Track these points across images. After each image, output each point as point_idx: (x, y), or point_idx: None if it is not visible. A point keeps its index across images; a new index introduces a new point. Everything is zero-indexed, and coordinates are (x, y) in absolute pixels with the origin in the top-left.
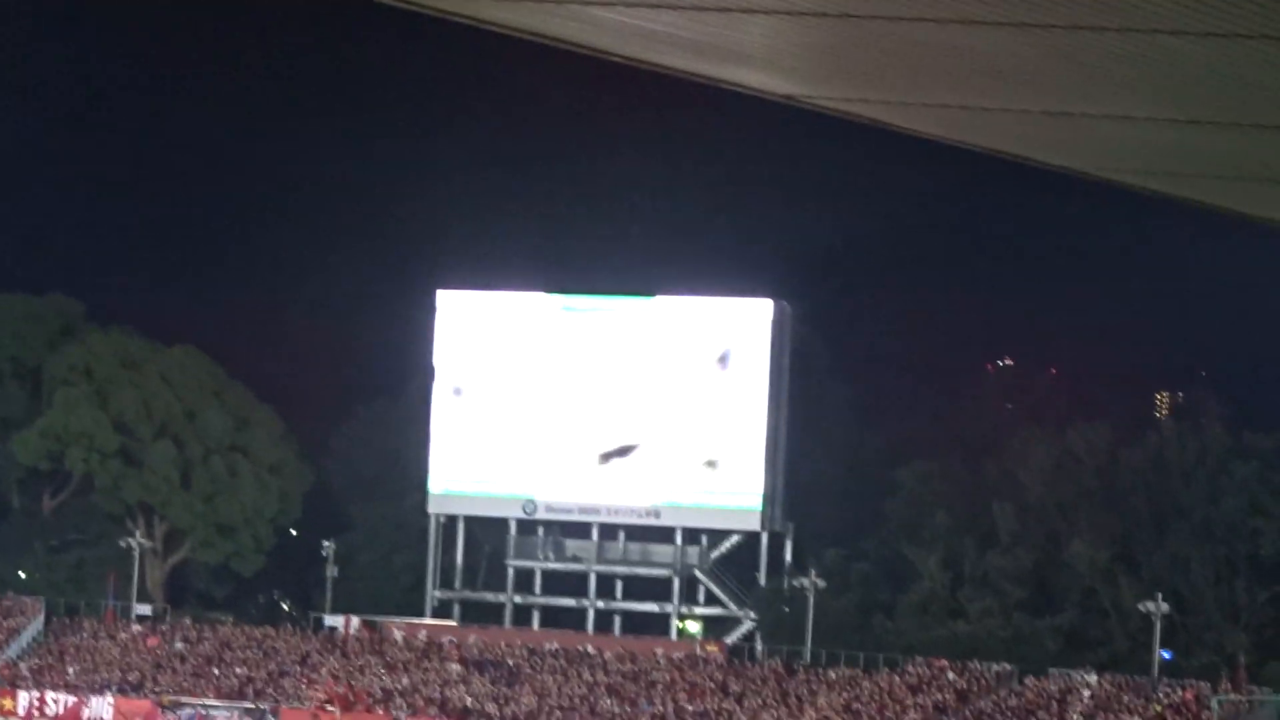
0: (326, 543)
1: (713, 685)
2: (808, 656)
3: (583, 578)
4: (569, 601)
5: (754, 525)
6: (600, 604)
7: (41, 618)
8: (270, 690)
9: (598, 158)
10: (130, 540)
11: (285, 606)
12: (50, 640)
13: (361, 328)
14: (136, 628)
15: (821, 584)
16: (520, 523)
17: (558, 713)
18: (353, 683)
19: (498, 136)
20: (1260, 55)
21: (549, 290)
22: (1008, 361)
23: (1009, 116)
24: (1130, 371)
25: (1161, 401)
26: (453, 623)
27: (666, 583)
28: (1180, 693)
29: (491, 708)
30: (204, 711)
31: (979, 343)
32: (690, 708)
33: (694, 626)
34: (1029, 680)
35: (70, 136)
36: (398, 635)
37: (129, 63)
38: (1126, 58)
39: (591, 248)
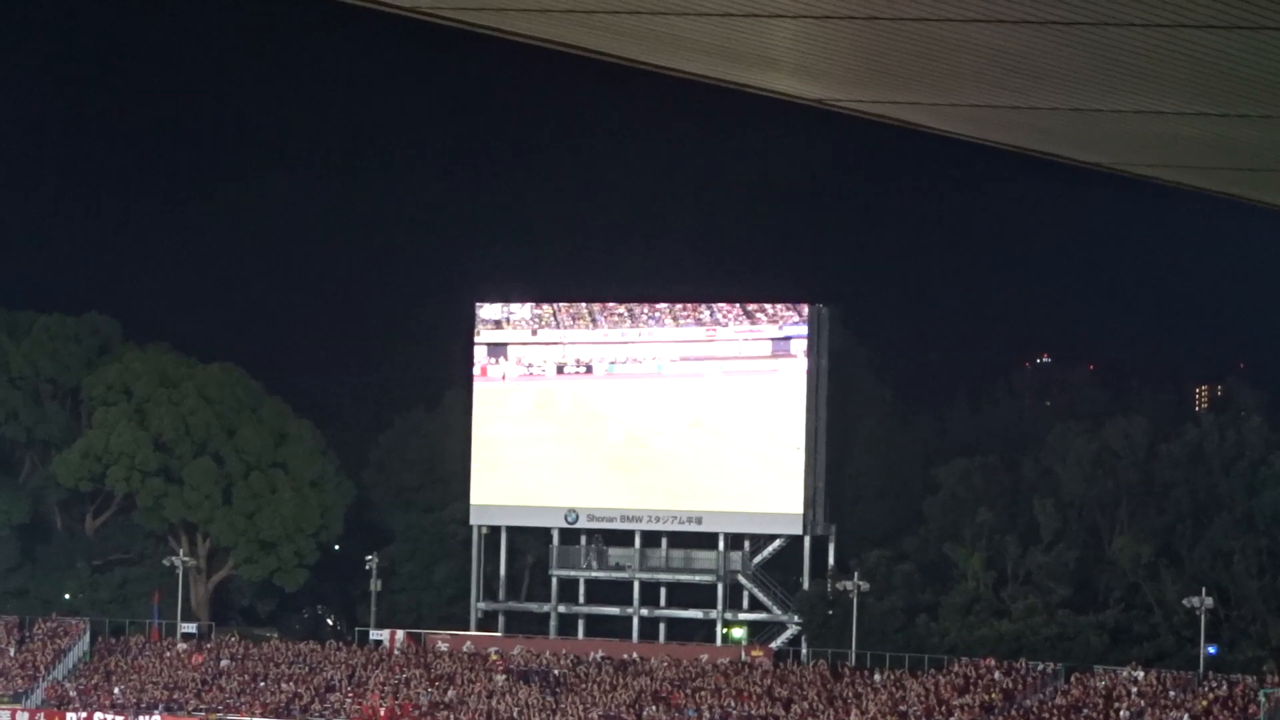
0: (369, 556)
1: (759, 690)
2: (853, 659)
3: (627, 586)
4: (613, 610)
5: (796, 529)
6: (645, 611)
7: (87, 638)
8: (317, 705)
9: (634, 167)
10: (173, 558)
11: (330, 621)
12: (96, 660)
13: (397, 340)
14: (182, 646)
15: (865, 586)
16: (563, 532)
17: None
18: (399, 696)
19: (534, 149)
20: None
21: (587, 299)
22: (1045, 359)
23: (1038, 114)
24: (1167, 365)
25: (1200, 394)
26: (497, 634)
27: (710, 589)
28: (1227, 687)
29: (538, 718)
30: None
31: (1016, 340)
32: (737, 713)
33: (739, 632)
34: (1075, 678)
35: (106, 157)
36: (443, 647)
37: (164, 82)
38: (1153, 53)
39: (629, 256)
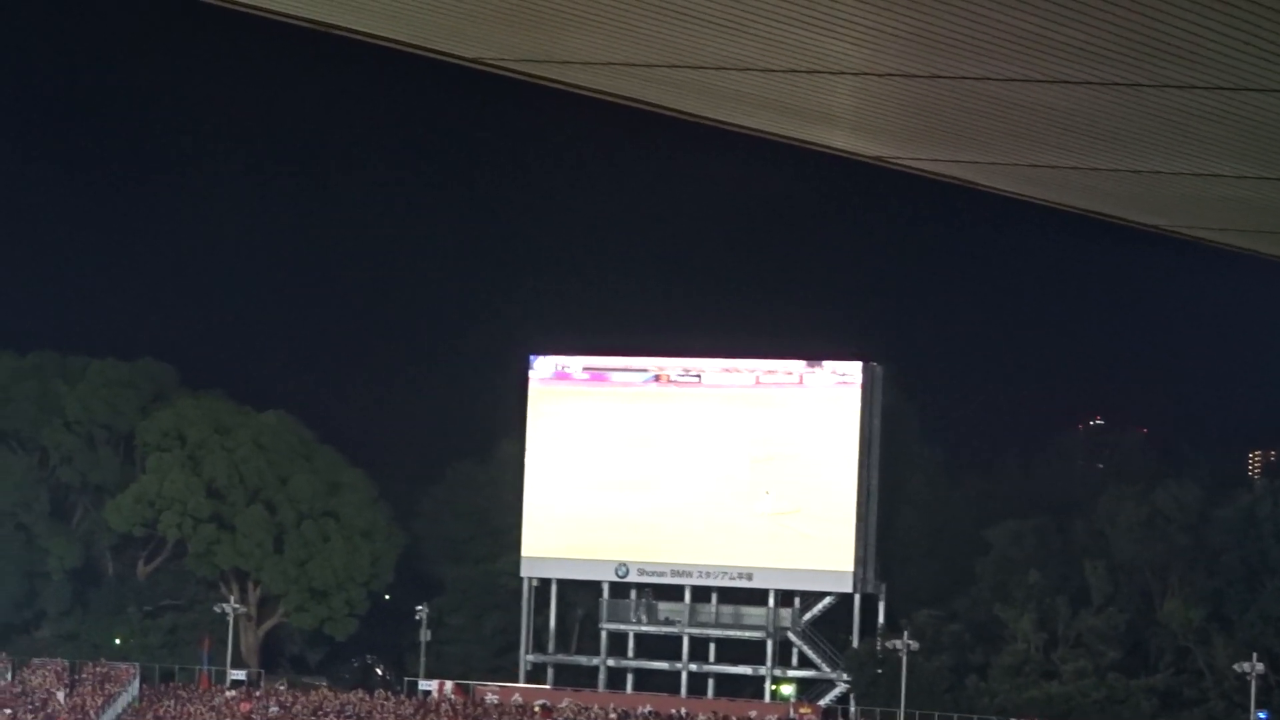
0: (419, 607)
1: None
2: (902, 718)
3: (676, 640)
4: (662, 664)
5: (846, 587)
6: (694, 666)
7: (136, 683)
8: None
9: (687, 222)
10: (224, 605)
11: (379, 671)
12: (145, 706)
13: (450, 391)
14: (231, 693)
15: (914, 645)
16: (613, 585)
17: None
18: None
19: (590, 203)
20: None
21: (640, 354)
22: (1097, 420)
23: (1097, 175)
24: (1220, 430)
25: (1253, 460)
26: (546, 686)
27: (760, 645)
28: None
29: None
30: None
31: (1068, 402)
32: None
33: (788, 689)
34: None
35: (160, 205)
36: (491, 699)
37: (222, 132)
38: (1215, 115)
39: (682, 311)
